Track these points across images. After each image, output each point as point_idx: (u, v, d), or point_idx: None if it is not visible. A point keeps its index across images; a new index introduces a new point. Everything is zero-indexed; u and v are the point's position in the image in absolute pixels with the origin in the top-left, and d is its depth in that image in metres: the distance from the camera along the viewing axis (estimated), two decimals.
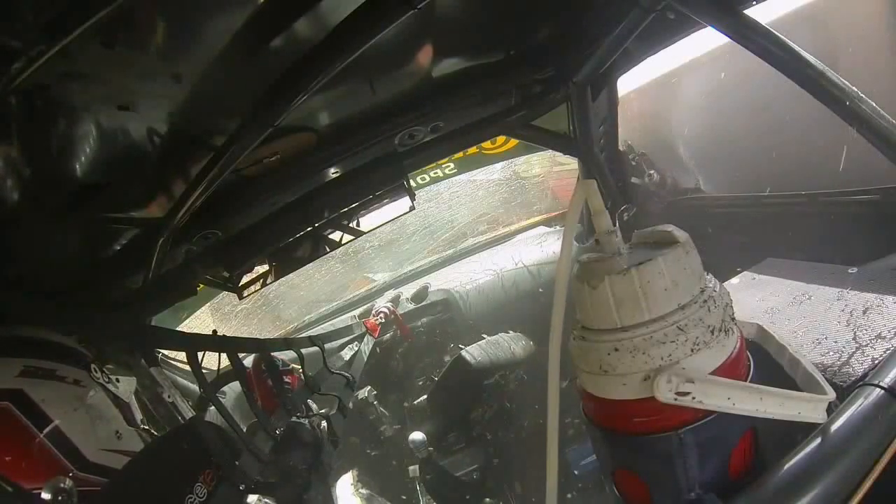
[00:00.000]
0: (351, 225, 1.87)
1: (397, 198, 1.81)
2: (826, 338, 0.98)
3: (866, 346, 0.91)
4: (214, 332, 1.57)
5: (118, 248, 1.55)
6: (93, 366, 1.18)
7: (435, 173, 2.57)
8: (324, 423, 1.76)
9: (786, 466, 0.69)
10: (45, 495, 0.88)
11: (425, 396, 2.49)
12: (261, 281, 1.87)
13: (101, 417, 1.12)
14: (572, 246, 0.71)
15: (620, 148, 2.19)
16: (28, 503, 0.90)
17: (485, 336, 2.44)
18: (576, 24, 1.51)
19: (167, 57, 0.95)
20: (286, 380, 1.73)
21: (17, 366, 1.04)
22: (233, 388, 1.96)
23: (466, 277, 2.90)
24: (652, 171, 2.24)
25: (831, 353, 0.93)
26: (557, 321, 0.71)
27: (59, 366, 1.10)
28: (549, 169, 3.85)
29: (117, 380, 1.23)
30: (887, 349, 0.88)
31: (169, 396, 1.41)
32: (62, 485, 0.90)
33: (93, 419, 1.10)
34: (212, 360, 1.63)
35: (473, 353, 2.25)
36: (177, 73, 0.99)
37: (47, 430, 1.00)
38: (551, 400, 0.71)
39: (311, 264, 1.99)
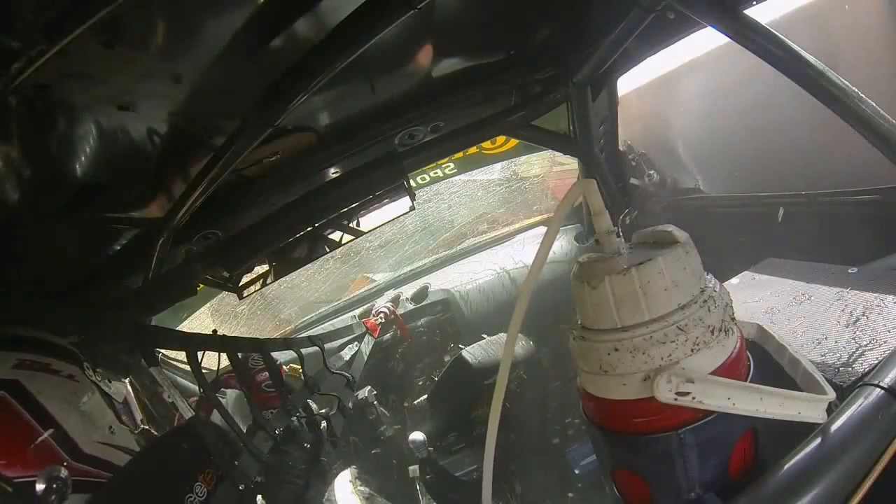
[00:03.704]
0: (351, 225, 1.87)
1: (397, 198, 1.81)
2: (826, 338, 0.98)
3: (866, 346, 0.91)
4: (214, 332, 1.57)
5: (118, 248, 1.55)
6: (85, 364, 1.18)
7: (435, 173, 2.58)
8: (324, 423, 1.76)
9: (786, 466, 0.69)
10: (40, 485, 0.89)
11: (425, 396, 2.49)
12: (261, 281, 1.87)
13: (94, 411, 1.13)
14: (553, 242, 0.71)
15: (620, 148, 2.19)
16: (23, 492, 0.91)
17: (485, 336, 2.44)
18: (576, 24, 1.51)
19: (167, 57, 0.95)
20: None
21: (12, 359, 1.04)
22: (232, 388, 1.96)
23: (467, 277, 2.90)
24: (652, 171, 2.25)
25: (831, 353, 0.93)
26: (517, 316, 0.71)
27: (54, 360, 1.11)
28: (549, 169, 3.86)
29: (108, 381, 1.24)
30: (887, 349, 0.88)
31: (169, 396, 1.41)
32: (57, 474, 0.91)
33: (87, 412, 1.10)
34: (212, 360, 1.64)
35: (474, 352, 2.25)
36: (177, 73, 0.99)
37: (43, 420, 1.00)
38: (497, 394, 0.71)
39: (311, 264, 1.99)
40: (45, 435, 0.99)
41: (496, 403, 0.71)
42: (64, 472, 0.93)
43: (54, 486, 0.90)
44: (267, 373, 1.70)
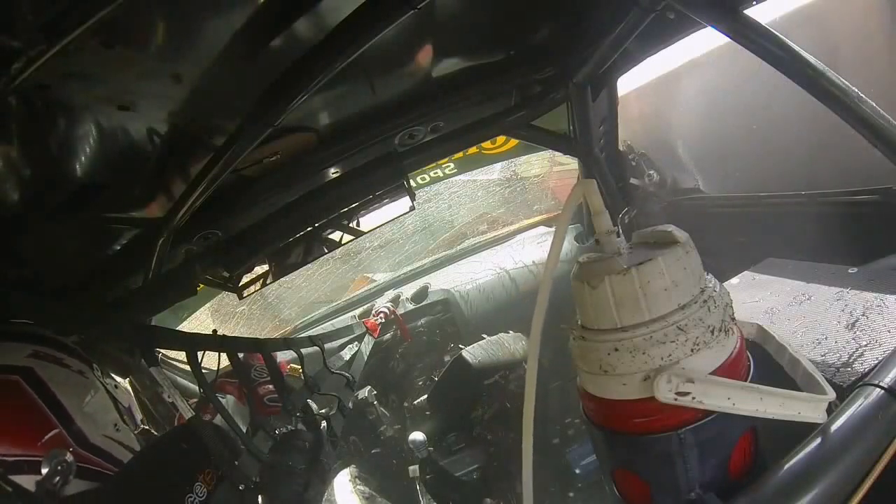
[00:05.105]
0: (351, 225, 1.86)
1: (397, 198, 1.80)
2: (826, 338, 0.98)
3: (866, 346, 0.91)
4: (214, 331, 1.57)
5: (118, 248, 1.55)
6: (94, 364, 1.20)
7: (435, 173, 2.57)
8: (324, 423, 1.76)
9: (786, 466, 0.69)
10: (45, 466, 0.91)
11: (425, 396, 2.49)
12: (260, 281, 1.87)
13: (101, 408, 1.15)
14: (562, 245, 0.71)
15: (620, 148, 2.19)
16: (28, 472, 0.92)
17: (485, 336, 2.44)
18: (576, 24, 1.51)
19: (167, 57, 0.95)
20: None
21: (28, 349, 1.07)
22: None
23: (467, 277, 2.90)
24: (652, 171, 2.25)
25: (831, 353, 0.93)
26: (538, 319, 0.71)
27: (66, 356, 1.13)
28: (549, 169, 3.86)
29: (115, 385, 1.25)
30: (887, 349, 0.88)
31: (169, 396, 1.41)
32: (62, 457, 0.93)
33: (94, 407, 1.12)
34: (212, 360, 1.63)
35: (474, 352, 2.25)
36: (177, 73, 0.99)
37: (53, 406, 1.02)
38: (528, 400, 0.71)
39: (311, 264, 1.98)
40: (54, 419, 1.01)
41: (529, 396, 0.71)
42: (69, 457, 0.95)
43: (59, 468, 0.92)
44: (270, 386, 1.70)
